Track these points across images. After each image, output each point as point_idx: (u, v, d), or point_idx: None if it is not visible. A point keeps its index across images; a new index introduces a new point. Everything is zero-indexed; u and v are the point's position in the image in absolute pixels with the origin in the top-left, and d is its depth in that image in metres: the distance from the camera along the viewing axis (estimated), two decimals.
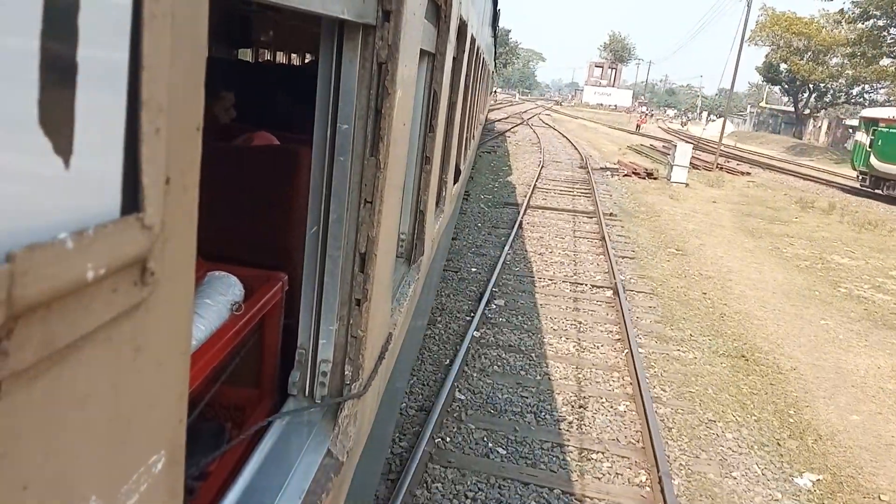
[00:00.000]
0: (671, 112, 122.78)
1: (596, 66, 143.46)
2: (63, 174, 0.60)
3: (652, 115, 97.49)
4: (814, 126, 69.66)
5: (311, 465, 2.06)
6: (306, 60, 8.43)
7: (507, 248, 11.20)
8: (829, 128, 65.93)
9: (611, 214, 15.21)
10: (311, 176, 2.17)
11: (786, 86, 69.21)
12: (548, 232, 13.20)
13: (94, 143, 0.64)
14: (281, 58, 9.47)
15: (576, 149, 31.45)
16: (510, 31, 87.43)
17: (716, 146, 32.05)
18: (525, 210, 14.64)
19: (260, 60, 8.50)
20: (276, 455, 2.09)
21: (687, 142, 25.32)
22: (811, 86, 63.86)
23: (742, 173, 29.36)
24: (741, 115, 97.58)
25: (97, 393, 0.69)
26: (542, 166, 22.60)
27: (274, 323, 2.70)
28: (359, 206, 2.16)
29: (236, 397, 2.64)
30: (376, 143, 2.10)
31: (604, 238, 12.57)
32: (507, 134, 36.33)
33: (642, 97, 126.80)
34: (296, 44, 8.39)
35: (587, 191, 18.56)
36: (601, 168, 23.93)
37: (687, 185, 21.75)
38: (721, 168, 29.62)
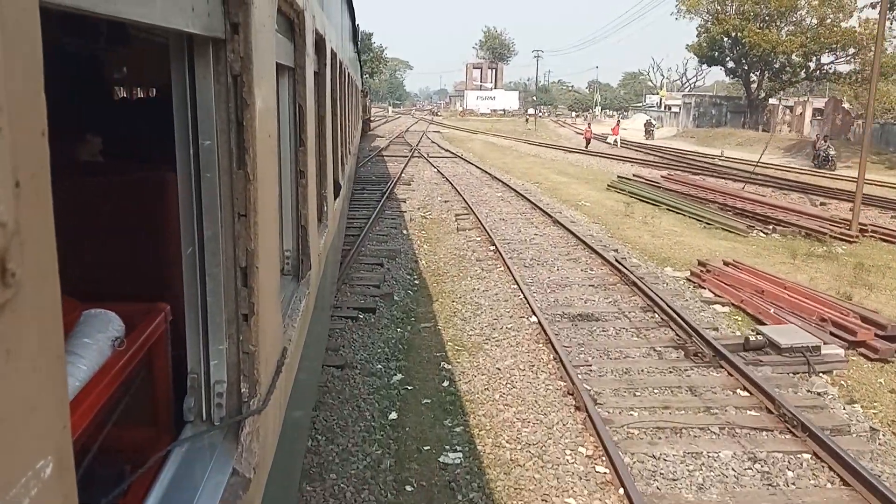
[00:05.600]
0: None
1: (474, 68, 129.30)
2: None
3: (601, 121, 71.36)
4: (789, 114, 53.05)
5: (217, 485, 2.03)
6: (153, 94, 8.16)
7: None
8: (814, 115, 49.51)
9: None
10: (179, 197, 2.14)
11: (732, 65, 55.75)
12: None
13: None
14: (140, 94, 9.17)
15: (561, 226, 15.52)
16: (372, 33, 77.94)
17: (698, 160, 20.56)
18: None
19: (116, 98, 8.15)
20: (179, 482, 2.04)
21: None
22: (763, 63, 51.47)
23: None
24: (654, 109, 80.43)
25: None
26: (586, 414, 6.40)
27: (161, 355, 2.62)
28: (233, 221, 2.15)
29: (132, 437, 2.55)
30: (242, 155, 2.11)
31: None
32: (396, 193, 19.96)
33: (532, 97, 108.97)
34: (151, 77, 8.16)
35: None
36: (767, 360, 7.94)
37: None
38: (864, 232, 14.85)
